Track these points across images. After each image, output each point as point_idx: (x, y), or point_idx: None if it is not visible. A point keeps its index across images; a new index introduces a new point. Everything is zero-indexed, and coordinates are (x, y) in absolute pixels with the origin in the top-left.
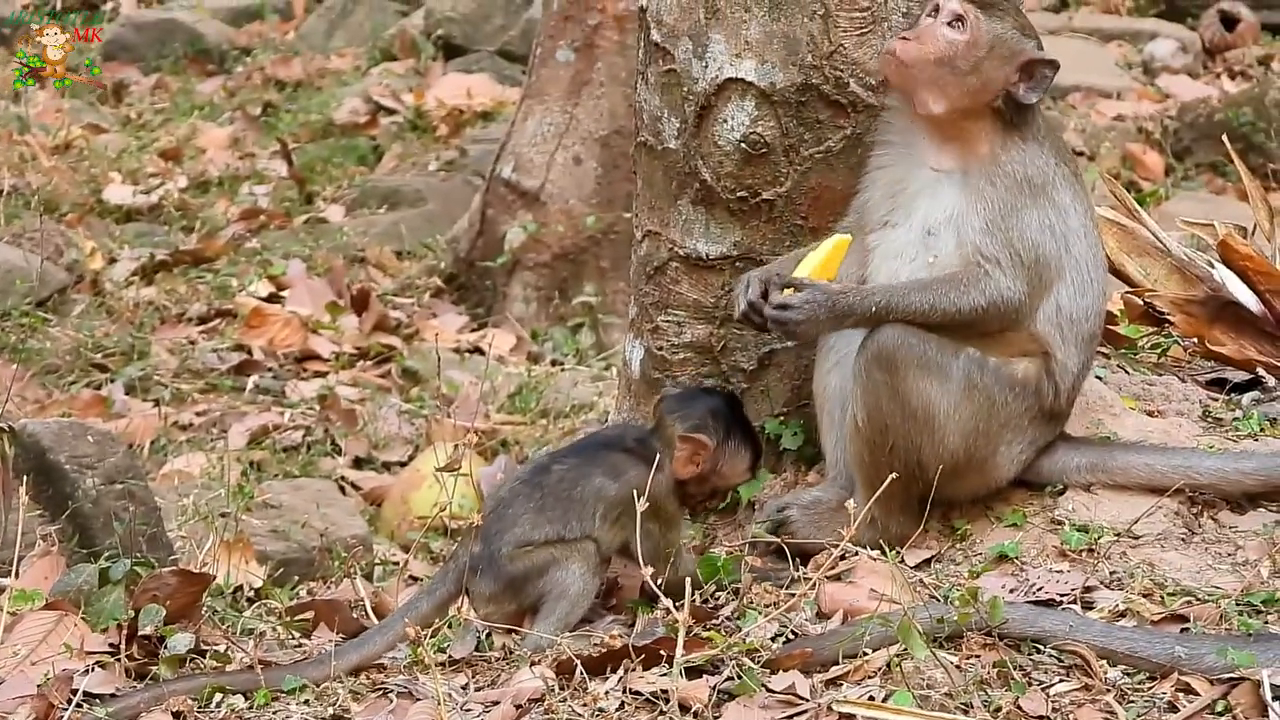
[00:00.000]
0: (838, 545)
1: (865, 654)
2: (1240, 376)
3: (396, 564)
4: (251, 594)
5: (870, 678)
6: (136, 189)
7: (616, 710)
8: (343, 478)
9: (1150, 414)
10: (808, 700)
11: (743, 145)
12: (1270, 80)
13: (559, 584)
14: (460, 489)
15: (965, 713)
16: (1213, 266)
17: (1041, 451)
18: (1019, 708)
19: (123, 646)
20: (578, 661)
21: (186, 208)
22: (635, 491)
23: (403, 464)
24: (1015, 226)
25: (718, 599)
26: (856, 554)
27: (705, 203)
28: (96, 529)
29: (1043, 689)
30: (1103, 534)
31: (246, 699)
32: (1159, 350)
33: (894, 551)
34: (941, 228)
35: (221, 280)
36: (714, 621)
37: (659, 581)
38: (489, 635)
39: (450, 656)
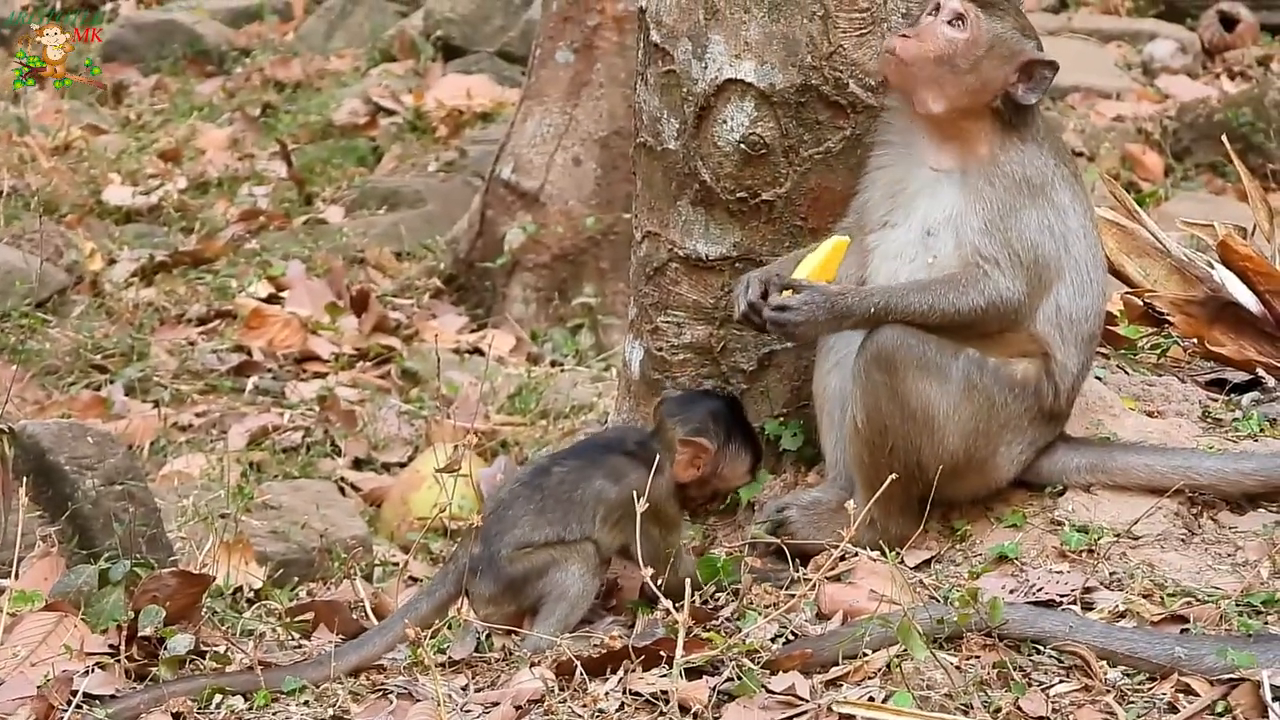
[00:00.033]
0: (837, 546)
1: (865, 655)
2: (1240, 377)
3: (396, 565)
4: (251, 595)
5: (870, 678)
6: (136, 190)
7: (616, 711)
8: (342, 479)
9: (1150, 414)
10: (808, 701)
11: (742, 146)
12: (1270, 81)
13: (559, 585)
14: (460, 490)
15: (965, 713)
16: (1212, 267)
17: (1041, 452)
18: (1019, 708)
19: (122, 647)
20: (577, 662)
21: (186, 209)
22: (635, 494)
23: (402, 465)
24: (1014, 227)
25: (717, 600)
26: (856, 555)
27: (705, 203)
28: (96, 530)
29: (1043, 690)
30: (1102, 535)
31: (246, 700)
32: (1159, 351)
33: (894, 552)
34: (941, 228)
35: (221, 281)
36: (714, 622)
37: (659, 583)
38: (489, 636)
39: (450, 657)
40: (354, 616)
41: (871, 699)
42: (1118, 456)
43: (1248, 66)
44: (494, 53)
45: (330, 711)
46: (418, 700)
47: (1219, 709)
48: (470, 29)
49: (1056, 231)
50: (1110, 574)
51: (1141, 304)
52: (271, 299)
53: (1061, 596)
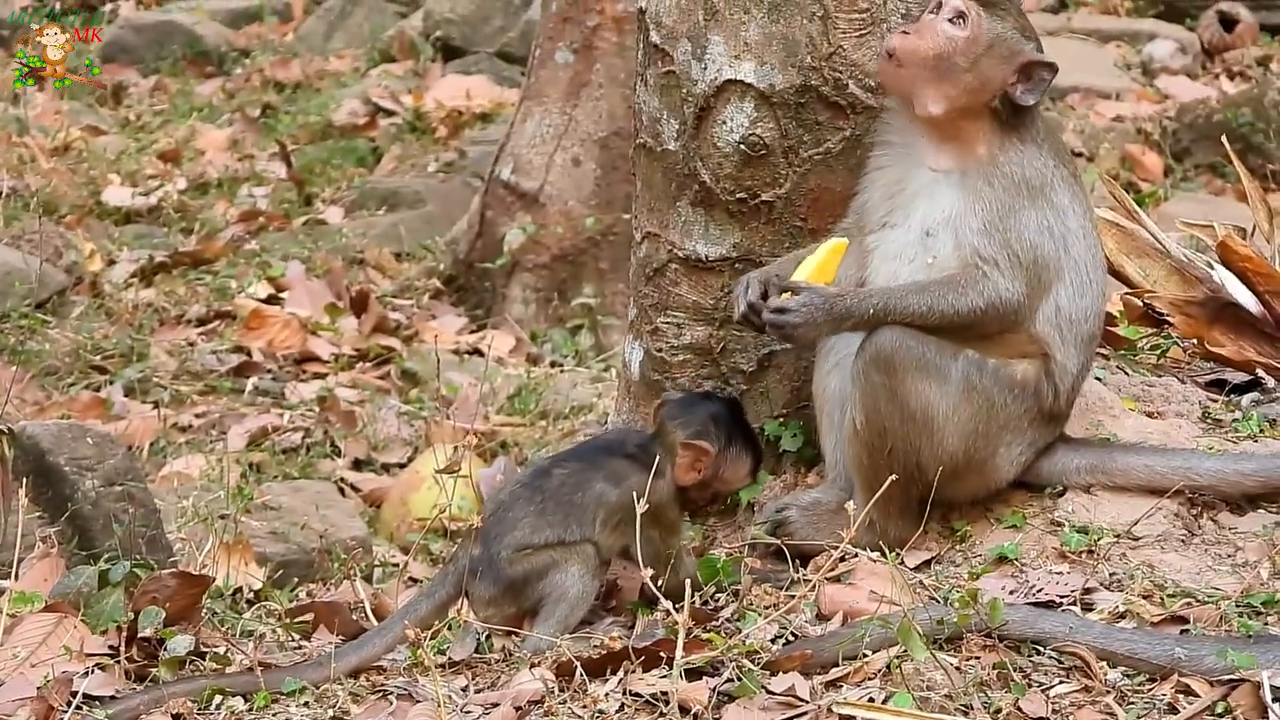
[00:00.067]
0: (837, 547)
1: (865, 656)
2: (1240, 378)
3: (396, 566)
4: (251, 596)
5: (870, 679)
6: (135, 191)
7: (616, 712)
8: (342, 479)
9: (1150, 415)
10: (808, 702)
11: (742, 147)
12: (1269, 81)
13: (558, 586)
14: (459, 491)
15: (965, 714)
16: (1212, 268)
17: (1041, 453)
18: (1019, 709)
19: (122, 648)
20: (577, 663)
21: (185, 209)
22: (636, 496)
23: (402, 465)
24: (1013, 228)
25: (717, 601)
26: (856, 555)
27: (704, 204)
28: (96, 531)
29: (1043, 690)
30: (1102, 535)
31: (246, 701)
32: (1158, 351)
33: (894, 553)
34: (940, 229)
35: (220, 282)
36: (714, 623)
37: (659, 584)
38: (489, 637)
39: (450, 658)
40: (354, 617)
41: (871, 700)
42: (1117, 457)
43: (1247, 67)
44: (493, 53)
45: (330, 712)
46: (418, 701)
47: (1219, 710)
48: (470, 29)
49: (1056, 232)
50: (1110, 575)
51: (1141, 305)
52: (271, 300)
53: (1061, 597)
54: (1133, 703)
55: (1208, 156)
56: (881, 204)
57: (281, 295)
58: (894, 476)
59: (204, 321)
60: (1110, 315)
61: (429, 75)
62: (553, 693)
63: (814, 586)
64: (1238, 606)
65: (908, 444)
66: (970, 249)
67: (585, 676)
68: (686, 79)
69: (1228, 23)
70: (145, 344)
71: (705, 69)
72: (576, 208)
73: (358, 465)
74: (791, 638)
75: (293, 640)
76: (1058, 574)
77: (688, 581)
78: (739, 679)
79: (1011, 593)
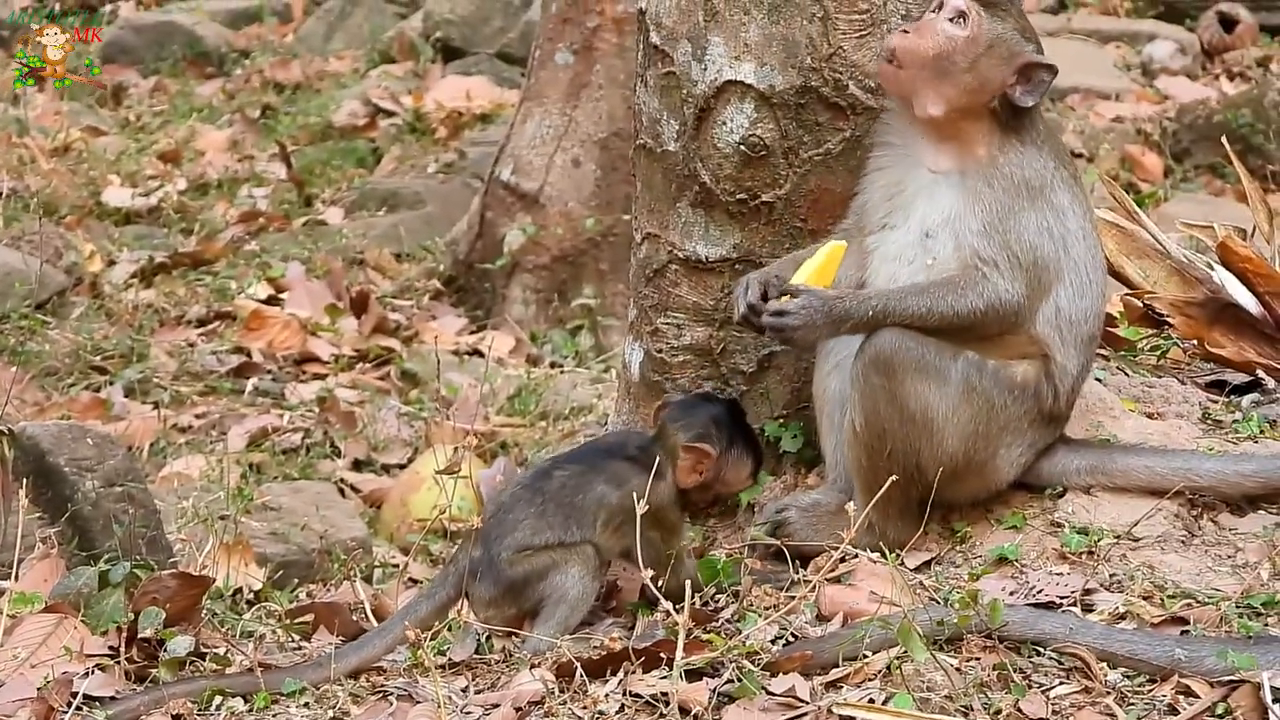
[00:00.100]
0: (837, 548)
1: (865, 656)
2: (1240, 378)
3: (396, 566)
4: (251, 596)
5: (870, 680)
6: (135, 191)
7: (616, 713)
8: (342, 480)
9: (1150, 416)
10: (808, 703)
11: (742, 148)
12: (1269, 82)
13: (558, 588)
14: (459, 491)
15: (965, 715)
16: (1212, 268)
17: (1041, 454)
18: (1019, 710)
19: (122, 649)
20: (577, 664)
21: (185, 210)
22: (636, 497)
23: (402, 466)
24: (1013, 229)
25: (717, 601)
26: (856, 556)
27: (704, 205)
28: (96, 531)
29: (1043, 691)
30: (1102, 536)
31: (246, 702)
32: (1158, 352)
33: (894, 554)
34: (939, 230)
35: (220, 283)
36: (714, 624)
37: (659, 585)
38: (489, 638)
39: (450, 659)
40: (354, 618)
41: (872, 701)
42: (1118, 458)
43: (1247, 67)
44: (493, 54)
45: (330, 713)
46: (418, 702)
47: (1219, 711)
48: (470, 30)
49: (1055, 233)
50: (1110, 576)
51: (1141, 305)
52: (271, 300)
53: (1062, 598)
54: (1133, 704)
55: (1207, 157)
56: (881, 205)
57: (281, 296)
58: (894, 478)
59: (204, 322)
60: (1110, 316)
61: (429, 76)
62: (553, 693)
63: (814, 587)
64: (1238, 608)
65: (908, 445)
66: (970, 250)
67: (585, 677)
68: (686, 80)
69: (1227, 23)
70: (145, 345)
71: (705, 70)
72: (576, 209)
73: (358, 466)
74: (792, 639)
75: (293, 641)
76: (1058, 575)
77: (688, 582)
78: (739, 680)
79: (1012, 594)
